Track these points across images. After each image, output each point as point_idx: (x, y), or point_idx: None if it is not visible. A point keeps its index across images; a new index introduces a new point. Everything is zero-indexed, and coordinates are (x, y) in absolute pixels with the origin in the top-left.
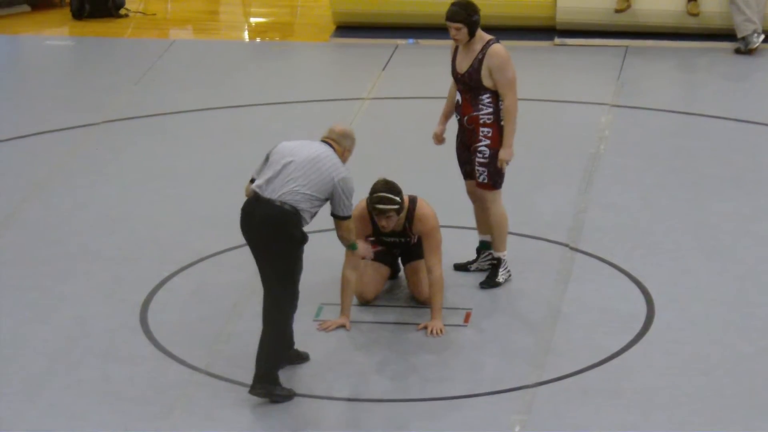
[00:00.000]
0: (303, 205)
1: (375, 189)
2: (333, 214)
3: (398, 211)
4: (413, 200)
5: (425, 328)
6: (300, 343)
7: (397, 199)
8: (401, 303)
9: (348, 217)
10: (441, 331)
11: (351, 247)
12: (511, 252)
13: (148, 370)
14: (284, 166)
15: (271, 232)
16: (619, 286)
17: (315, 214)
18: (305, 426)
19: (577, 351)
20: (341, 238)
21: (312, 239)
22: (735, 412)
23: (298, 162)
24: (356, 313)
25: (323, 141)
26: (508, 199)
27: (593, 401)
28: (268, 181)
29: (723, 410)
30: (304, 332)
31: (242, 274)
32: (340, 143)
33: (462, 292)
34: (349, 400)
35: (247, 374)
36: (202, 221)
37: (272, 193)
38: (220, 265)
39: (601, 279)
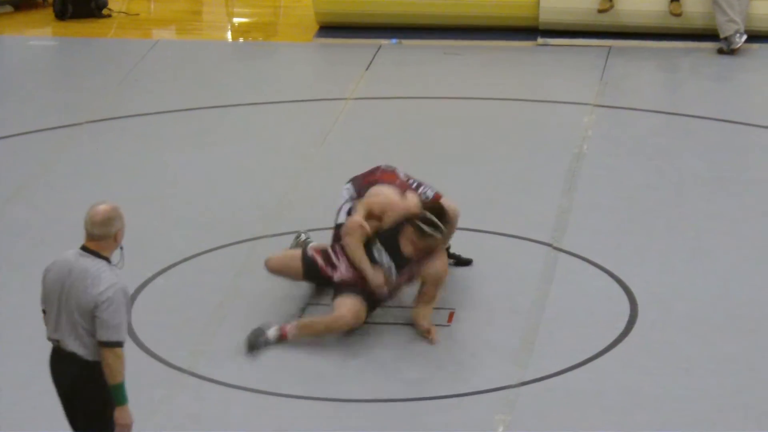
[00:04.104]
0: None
1: (436, 211)
2: (99, 341)
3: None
4: None
5: (427, 331)
6: (281, 346)
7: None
8: (384, 304)
9: (118, 344)
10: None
11: (119, 392)
12: (494, 252)
13: (132, 371)
14: (60, 313)
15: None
16: (602, 286)
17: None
18: (288, 427)
19: (561, 351)
20: (107, 367)
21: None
22: (718, 411)
23: (64, 306)
24: None
25: (85, 249)
26: (492, 198)
27: (577, 401)
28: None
29: (706, 410)
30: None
31: (225, 275)
32: (108, 234)
33: (445, 292)
34: (331, 400)
35: (231, 374)
36: (185, 222)
37: (69, 346)
38: (202, 266)
39: (585, 279)
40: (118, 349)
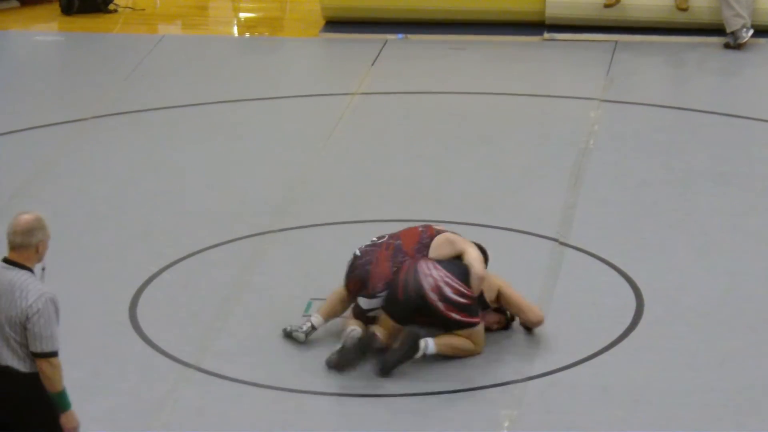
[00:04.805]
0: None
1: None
2: (33, 352)
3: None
4: None
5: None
6: (285, 343)
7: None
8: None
9: (53, 354)
10: None
11: (62, 399)
12: (500, 247)
13: (138, 366)
14: None
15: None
16: (608, 281)
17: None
18: (294, 422)
19: (566, 346)
20: (45, 378)
21: (300, 233)
22: (723, 407)
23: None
24: None
25: (7, 261)
26: (497, 193)
27: (582, 396)
28: None
29: (711, 406)
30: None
31: (231, 270)
32: (29, 244)
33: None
34: (338, 395)
35: (238, 369)
36: (191, 217)
37: (3, 361)
38: (209, 260)
39: (590, 274)
40: (53, 359)
